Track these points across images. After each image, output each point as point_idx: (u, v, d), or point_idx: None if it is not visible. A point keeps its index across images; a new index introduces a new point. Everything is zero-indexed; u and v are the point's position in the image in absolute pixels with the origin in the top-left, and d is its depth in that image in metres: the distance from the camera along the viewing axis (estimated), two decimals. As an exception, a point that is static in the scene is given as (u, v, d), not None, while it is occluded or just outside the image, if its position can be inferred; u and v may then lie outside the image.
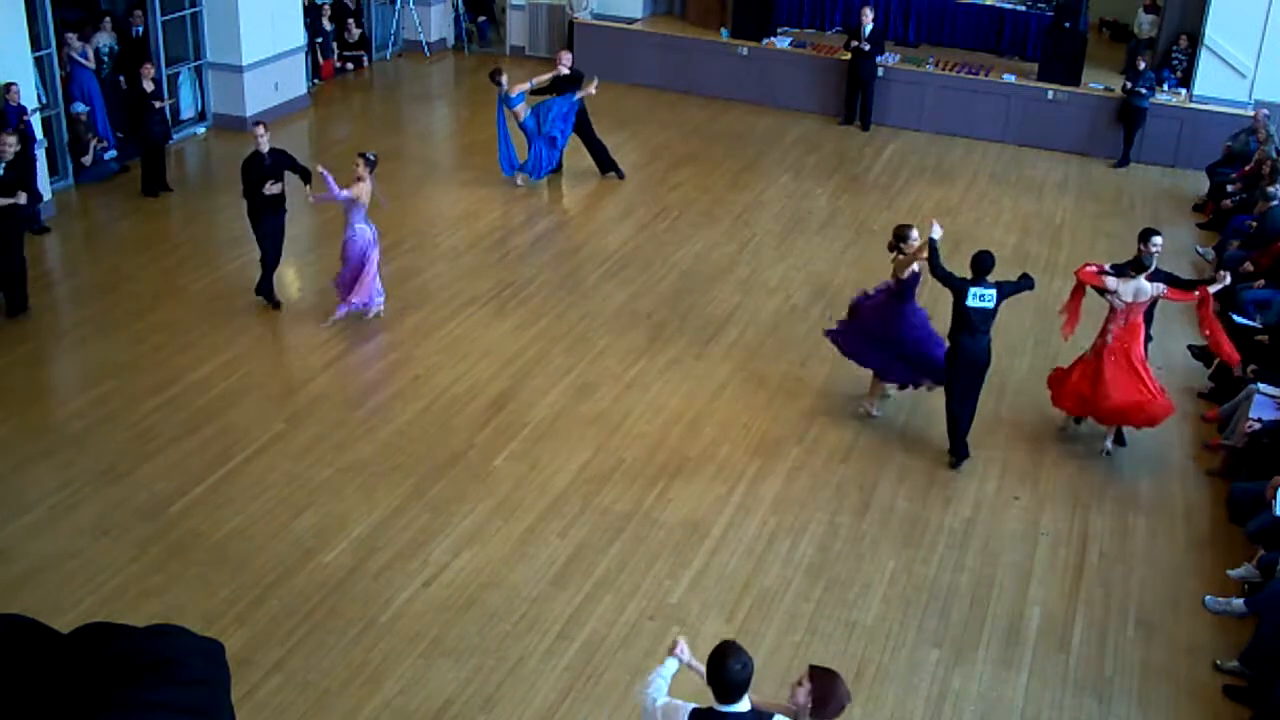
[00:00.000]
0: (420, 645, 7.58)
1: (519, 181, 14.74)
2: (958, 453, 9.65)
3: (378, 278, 11.23)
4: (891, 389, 10.38)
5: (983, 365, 9.44)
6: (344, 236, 11.04)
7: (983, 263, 9.18)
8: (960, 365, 9.38)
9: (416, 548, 8.46)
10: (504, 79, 14.38)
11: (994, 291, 9.18)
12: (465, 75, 19.56)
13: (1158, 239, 10.05)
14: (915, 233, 9.66)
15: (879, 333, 9.93)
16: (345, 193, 10.75)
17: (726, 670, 5.14)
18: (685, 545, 8.61)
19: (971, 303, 9.14)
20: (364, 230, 10.98)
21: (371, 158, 10.96)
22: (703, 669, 5.32)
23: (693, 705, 5.31)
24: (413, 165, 15.54)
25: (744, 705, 5.23)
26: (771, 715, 5.28)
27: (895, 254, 9.78)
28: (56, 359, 10.78)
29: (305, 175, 11.30)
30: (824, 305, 11.56)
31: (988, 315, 9.21)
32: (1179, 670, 7.78)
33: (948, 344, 9.52)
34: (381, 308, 11.34)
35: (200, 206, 14.08)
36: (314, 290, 12.10)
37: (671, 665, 5.68)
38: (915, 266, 9.64)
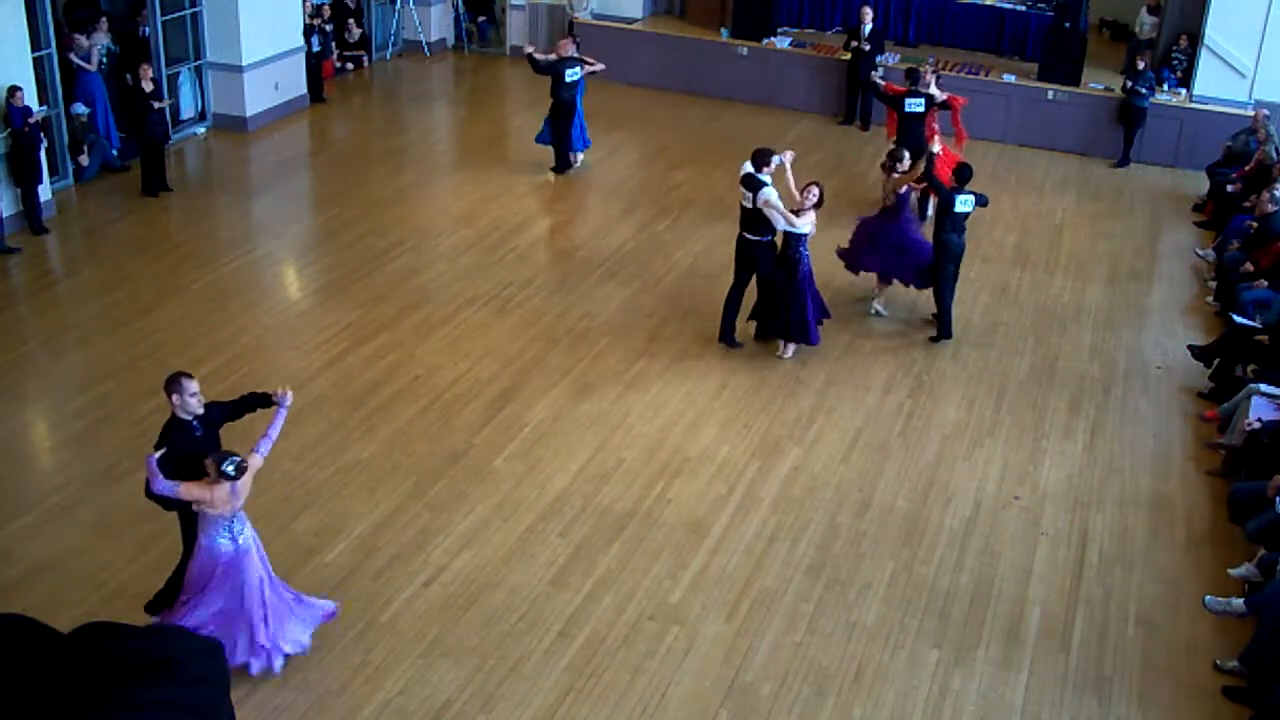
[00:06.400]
0: (420, 645, 7.58)
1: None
2: (945, 333, 11.58)
3: (285, 621, 7.22)
4: (879, 301, 12.03)
5: (961, 256, 11.53)
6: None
7: (964, 175, 11.23)
8: (946, 258, 11.35)
9: (416, 548, 8.46)
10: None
11: (972, 198, 11.22)
12: (465, 75, 19.57)
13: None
14: (907, 155, 11.86)
15: (879, 238, 11.77)
16: (168, 488, 6.87)
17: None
18: (685, 545, 8.61)
19: (958, 208, 11.15)
20: (222, 547, 7.01)
21: (230, 471, 6.83)
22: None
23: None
24: (413, 165, 15.55)
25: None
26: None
27: (888, 175, 11.84)
28: (56, 359, 10.77)
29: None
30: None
31: (967, 216, 11.31)
32: (1179, 670, 7.78)
33: (933, 244, 11.49)
34: (278, 666, 7.23)
35: (200, 206, 14.08)
36: (314, 290, 12.11)
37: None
38: (904, 188, 11.75)
